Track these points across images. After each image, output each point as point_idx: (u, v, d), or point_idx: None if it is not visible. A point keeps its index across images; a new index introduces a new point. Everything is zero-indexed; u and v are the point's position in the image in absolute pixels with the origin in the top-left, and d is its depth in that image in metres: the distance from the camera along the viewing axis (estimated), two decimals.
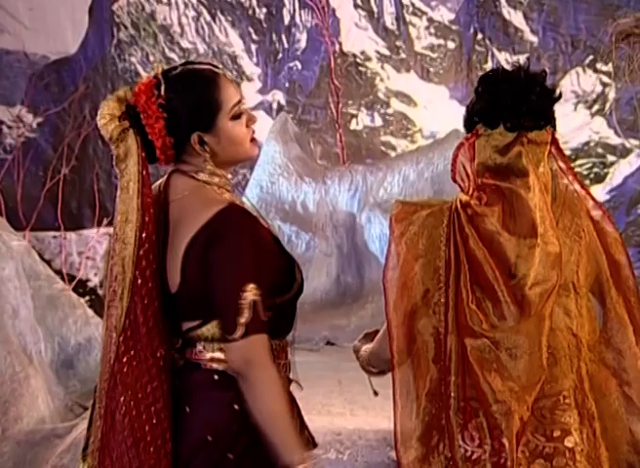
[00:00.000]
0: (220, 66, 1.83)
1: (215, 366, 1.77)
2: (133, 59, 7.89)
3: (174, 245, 1.74)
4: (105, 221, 7.28)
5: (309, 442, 1.85)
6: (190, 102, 1.76)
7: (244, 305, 1.67)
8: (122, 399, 1.72)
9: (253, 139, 1.82)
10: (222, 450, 1.72)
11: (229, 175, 1.85)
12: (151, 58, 7.90)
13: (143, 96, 1.77)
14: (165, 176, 1.84)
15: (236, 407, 1.71)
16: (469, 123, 1.83)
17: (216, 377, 1.75)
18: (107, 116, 1.78)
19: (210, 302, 1.72)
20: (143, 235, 1.74)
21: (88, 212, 7.51)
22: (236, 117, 1.78)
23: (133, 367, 1.72)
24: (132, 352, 1.73)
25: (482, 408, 1.68)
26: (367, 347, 1.93)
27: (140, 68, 7.88)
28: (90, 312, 6.46)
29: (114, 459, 1.73)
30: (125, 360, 1.73)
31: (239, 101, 1.79)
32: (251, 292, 1.68)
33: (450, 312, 1.73)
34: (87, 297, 7.10)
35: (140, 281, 1.72)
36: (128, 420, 1.71)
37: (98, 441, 1.74)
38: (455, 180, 1.84)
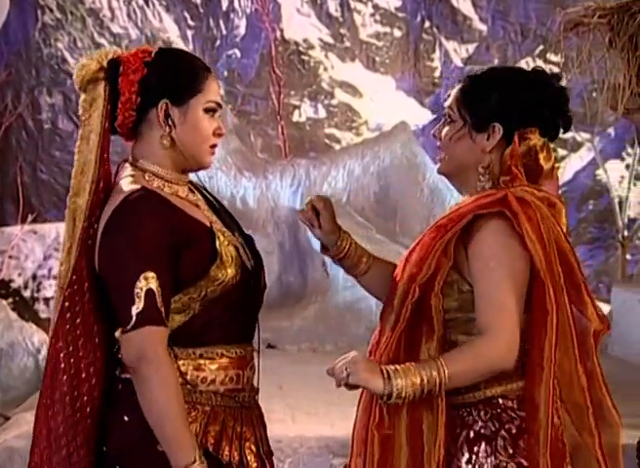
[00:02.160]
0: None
1: (126, 372, 1.76)
2: (59, 45, 7.76)
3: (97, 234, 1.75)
4: (30, 218, 7.16)
5: (265, 463, 1.84)
6: (173, 70, 1.81)
7: (138, 294, 1.66)
8: (62, 355, 1.73)
9: (213, 146, 1.84)
10: (114, 463, 1.74)
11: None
12: (79, 44, 7.78)
13: (134, 52, 1.81)
14: (116, 168, 1.86)
15: (126, 418, 1.71)
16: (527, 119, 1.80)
17: (120, 387, 1.75)
18: (85, 63, 1.80)
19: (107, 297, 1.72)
20: (95, 187, 1.76)
21: (11, 207, 7.37)
22: (209, 111, 1.83)
23: (76, 324, 1.74)
24: (76, 308, 1.74)
25: None
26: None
27: (66, 54, 7.75)
28: (13, 315, 6.35)
29: (49, 416, 1.75)
30: (68, 316, 1.74)
31: (218, 104, 1.84)
32: (147, 281, 1.67)
33: None
34: (10, 299, 6.97)
35: (85, 236, 1.74)
36: (67, 377, 1.73)
37: (38, 398, 1.76)
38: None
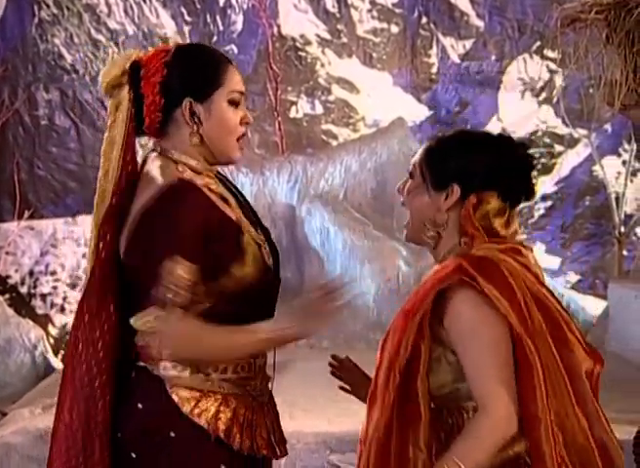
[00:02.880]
0: (234, 62, 1.90)
1: (140, 360, 1.81)
2: (56, 41, 7.74)
3: (129, 220, 1.78)
4: (27, 214, 7.15)
5: (276, 449, 1.89)
6: (193, 67, 1.82)
7: (171, 280, 1.71)
8: (79, 349, 1.80)
9: (241, 137, 1.86)
10: (127, 449, 1.78)
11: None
12: (76, 40, 7.76)
13: (153, 53, 1.84)
14: (142, 158, 1.89)
15: (140, 406, 1.76)
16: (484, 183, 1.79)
17: (133, 374, 1.80)
18: (109, 69, 1.84)
19: (137, 289, 1.76)
20: (115, 189, 1.79)
21: (7, 203, 7.35)
22: (233, 103, 1.85)
23: (90, 323, 1.80)
24: (93, 310, 1.79)
25: None
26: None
27: (63, 50, 7.74)
28: (10, 311, 6.34)
29: (66, 411, 1.79)
30: (87, 318, 1.80)
31: (241, 92, 1.86)
32: (180, 268, 1.71)
33: None
34: (7, 295, 6.96)
35: (107, 238, 1.79)
36: (81, 374, 1.78)
37: (59, 391, 1.83)
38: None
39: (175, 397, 1.78)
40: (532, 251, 1.83)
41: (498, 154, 1.84)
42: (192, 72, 1.82)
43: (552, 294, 1.76)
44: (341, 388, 2.00)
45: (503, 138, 1.87)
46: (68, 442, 1.78)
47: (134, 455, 1.77)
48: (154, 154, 1.86)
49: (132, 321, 1.76)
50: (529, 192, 1.88)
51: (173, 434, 1.76)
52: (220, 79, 1.83)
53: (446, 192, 1.81)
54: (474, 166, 1.81)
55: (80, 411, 1.77)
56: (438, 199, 1.81)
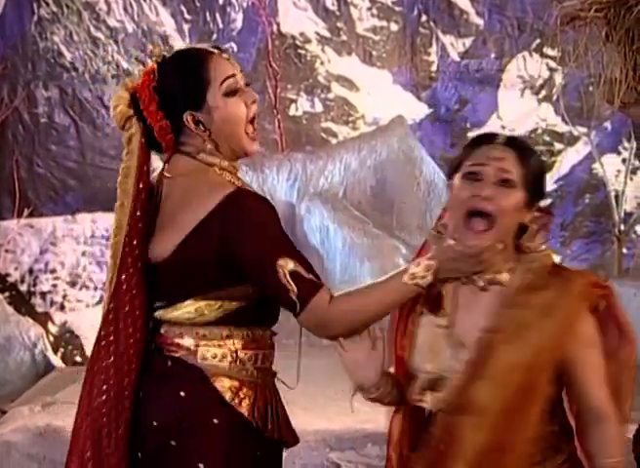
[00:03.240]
0: (221, 47, 1.93)
1: (172, 351, 1.85)
2: (55, 38, 7.74)
3: (173, 222, 1.83)
4: (27, 212, 7.15)
5: (294, 435, 1.98)
6: (178, 81, 1.85)
7: (287, 281, 1.77)
8: (104, 353, 1.84)
9: (252, 121, 1.89)
10: (166, 437, 1.81)
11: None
12: (75, 38, 7.76)
13: (141, 82, 1.86)
14: (166, 158, 1.93)
15: (182, 394, 1.81)
16: None
17: (169, 363, 1.84)
18: (115, 105, 1.87)
19: (182, 284, 1.83)
20: (133, 221, 1.84)
21: (7, 201, 7.35)
22: (230, 94, 1.86)
23: (119, 328, 1.83)
24: (120, 324, 1.83)
25: None
26: None
27: (63, 48, 7.73)
28: (9, 309, 6.34)
29: (92, 408, 1.82)
30: (111, 317, 1.84)
31: (232, 76, 1.86)
32: (285, 266, 1.78)
33: None
34: (6, 293, 6.96)
35: (127, 250, 1.83)
36: (105, 376, 1.82)
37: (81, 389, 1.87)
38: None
39: (218, 385, 1.83)
40: None
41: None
42: (179, 86, 1.85)
43: None
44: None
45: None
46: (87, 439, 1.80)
47: (173, 443, 1.80)
48: (181, 157, 1.89)
49: (178, 312, 1.82)
50: None
51: (216, 421, 1.81)
52: (205, 79, 1.84)
53: (534, 208, 1.87)
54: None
55: (110, 406, 1.80)
56: (528, 214, 1.85)
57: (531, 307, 1.73)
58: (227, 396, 1.82)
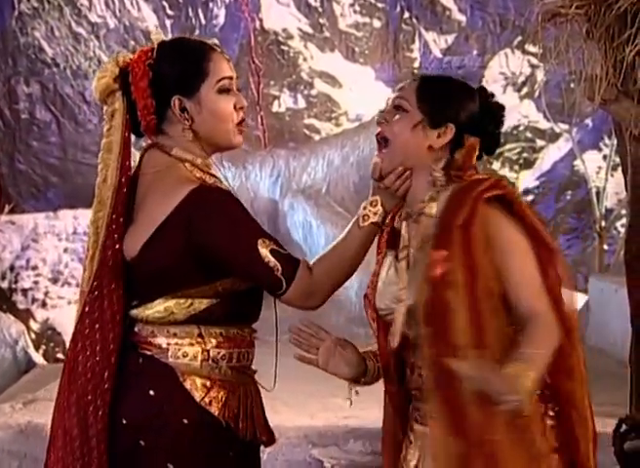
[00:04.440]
0: (220, 48, 1.91)
1: (146, 349, 1.84)
2: (36, 34, 7.69)
3: (139, 219, 1.82)
4: (8, 208, 7.11)
5: (271, 435, 1.94)
6: (176, 64, 1.84)
7: (269, 261, 1.78)
8: (80, 358, 1.82)
9: (240, 123, 1.89)
10: (136, 436, 1.78)
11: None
12: (57, 33, 7.71)
13: (136, 57, 1.85)
14: (141, 152, 1.91)
15: (152, 392, 1.78)
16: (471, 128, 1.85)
17: (141, 361, 1.82)
18: (100, 76, 1.85)
19: (151, 283, 1.82)
20: (117, 197, 1.82)
21: None
22: (223, 91, 1.86)
23: (95, 329, 1.82)
24: (95, 314, 1.82)
25: None
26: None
27: (44, 43, 7.69)
28: None
29: (66, 418, 1.82)
30: (87, 321, 1.82)
31: (229, 77, 1.86)
32: (265, 246, 1.78)
33: None
34: None
35: (108, 242, 1.81)
36: (82, 381, 1.81)
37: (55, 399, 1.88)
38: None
39: (187, 385, 1.81)
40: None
41: (488, 104, 1.90)
42: (176, 70, 1.84)
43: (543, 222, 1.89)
44: (301, 359, 1.96)
45: (484, 90, 1.93)
46: (66, 446, 1.79)
47: (142, 443, 1.79)
48: (155, 152, 1.88)
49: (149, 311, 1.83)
50: (496, 143, 1.94)
51: (186, 421, 1.79)
52: (204, 70, 1.85)
53: (439, 131, 1.84)
54: (467, 110, 1.86)
55: (82, 404, 1.79)
56: (432, 136, 1.84)
57: (445, 226, 1.77)
58: (197, 395, 1.81)
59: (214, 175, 1.91)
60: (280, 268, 1.79)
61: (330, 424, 3.58)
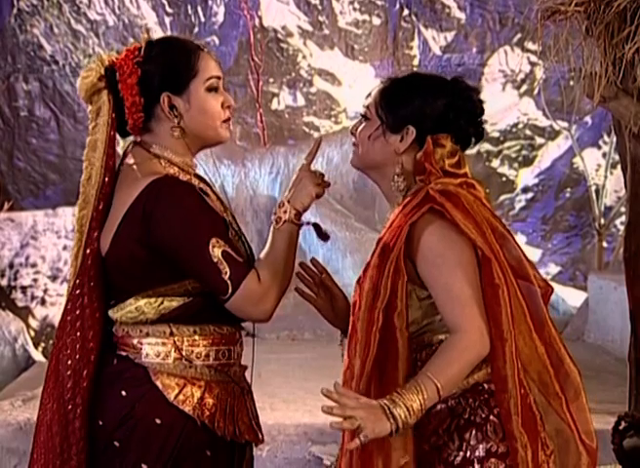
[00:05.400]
0: (207, 48, 1.92)
1: (121, 349, 1.84)
2: (35, 31, 7.68)
3: (110, 213, 1.82)
4: (7, 206, 7.11)
5: (256, 434, 1.91)
6: (165, 62, 1.85)
7: (219, 261, 1.74)
8: (60, 356, 1.83)
9: (226, 121, 1.89)
10: (110, 437, 1.79)
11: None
12: (56, 31, 7.71)
13: (123, 55, 1.86)
14: (124, 149, 1.91)
15: (123, 393, 1.78)
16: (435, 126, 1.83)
17: (115, 362, 1.82)
18: (84, 76, 1.86)
19: (122, 282, 1.82)
20: (100, 195, 1.82)
21: None
22: (212, 90, 1.87)
23: (76, 327, 1.82)
24: (77, 312, 1.83)
25: None
26: None
27: (43, 41, 7.68)
28: None
29: (48, 409, 1.83)
30: (69, 319, 1.83)
31: (217, 77, 1.87)
32: (218, 246, 1.75)
33: None
34: None
35: (88, 241, 1.82)
36: (62, 379, 1.82)
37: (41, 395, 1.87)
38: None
39: (159, 384, 1.80)
40: (484, 187, 1.88)
41: (451, 97, 1.87)
42: (165, 67, 1.85)
43: (505, 227, 1.82)
44: (301, 293, 1.97)
45: (456, 82, 1.90)
46: (47, 442, 1.80)
47: (117, 444, 1.79)
48: (136, 149, 1.88)
49: (123, 312, 1.82)
50: (479, 135, 1.91)
51: (158, 421, 1.78)
52: (193, 68, 1.85)
53: (401, 134, 1.84)
54: (429, 108, 1.84)
55: (62, 402, 1.79)
56: (395, 141, 1.85)
57: (380, 239, 1.80)
58: (170, 394, 1.79)
59: (194, 175, 1.90)
60: (228, 271, 1.75)
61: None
